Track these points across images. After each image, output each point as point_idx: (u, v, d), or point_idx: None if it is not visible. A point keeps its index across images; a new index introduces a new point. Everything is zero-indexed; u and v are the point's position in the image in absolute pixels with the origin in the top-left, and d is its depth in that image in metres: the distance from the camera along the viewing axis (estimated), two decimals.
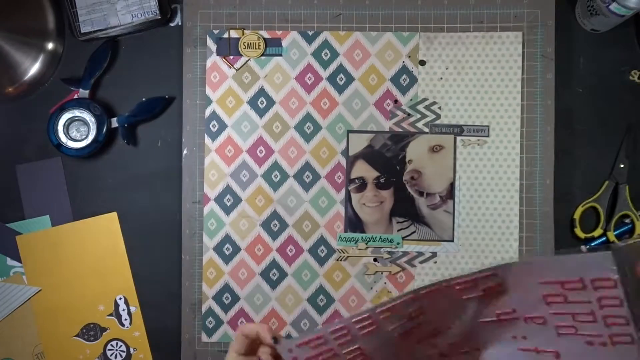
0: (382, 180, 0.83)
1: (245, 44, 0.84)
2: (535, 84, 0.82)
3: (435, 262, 0.82)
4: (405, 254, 0.82)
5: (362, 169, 0.83)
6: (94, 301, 0.85)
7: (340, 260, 0.83)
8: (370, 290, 0.83)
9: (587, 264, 0.50)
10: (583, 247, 0.82)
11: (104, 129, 0.83)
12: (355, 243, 0.83)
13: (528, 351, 0.55)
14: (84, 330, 0.85)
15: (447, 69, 0.83)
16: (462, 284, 0.52)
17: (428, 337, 0.56)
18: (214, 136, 0.84)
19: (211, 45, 0.84)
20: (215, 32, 0.84)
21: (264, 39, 0.84)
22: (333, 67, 0.84)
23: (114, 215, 0.85)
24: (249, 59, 0.84)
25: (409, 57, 0.83)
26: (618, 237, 0.81)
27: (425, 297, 0.52)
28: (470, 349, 0.57)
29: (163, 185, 0.85)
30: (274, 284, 0.84)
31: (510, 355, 0.56)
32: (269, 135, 0.84)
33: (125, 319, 0.85)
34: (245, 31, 0.84)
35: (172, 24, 0.86)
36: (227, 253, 0.84)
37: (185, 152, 0.84)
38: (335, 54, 0.84)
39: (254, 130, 0.84)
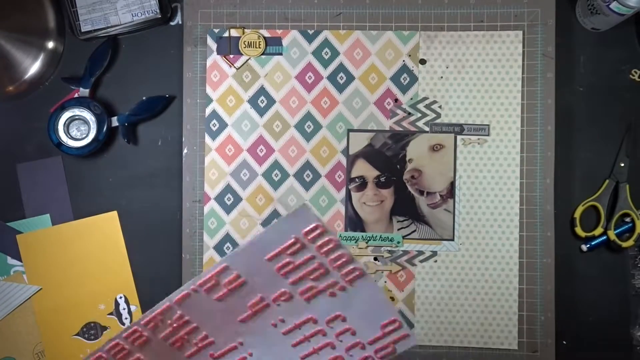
0: (382, 179, 0.83)
1: (246, 43, 0.84)
2: (536, 83, 0.82)
3: (436, 261, 0.82)
4: (405, 253, 0.82)
5: (363, 168, 0.83)
6: (94, 300, 0.85)
7: None
8: None
9: (293, 222, 0.52)
10: (584, 247, 0.83)
11: (104, 128, 0.83)
12: (355, 242, 0.83)
13: (292, 332, 0.58)
14: (85, 329, 0.85)
15: (447, 68, 0.83)
16: (204, 284, 0.55)
17: (199, 340, 0.60)
18: (214, 135, 0.84)
19: (211, 44, 0.84)
20: (216, 31, 0.84)
21: (264, 38, 0.84)
22: (333, 66, 0.84)
23: (114, 214, 0.85)
24: (249, 58, 0.84)
25: (410, 56, 0.83)
26: (619, 236, 0.81)
27: (179, 302, 0.56)
28: (238, 345, 0.60)
29: (163, 184, 0.85)
30: None
31: (284, 352, 0.59)
32: (269, 134, 0.84)
33: (126, 318, 0.85)
34: (245, 30, 0.84)
35: (172, 23, 0.86)
36: (228, 252, 0.84)
37: (185, 151, 0.84)
38: (335, 53, 0.84)
39: (254, 129, 0.84)
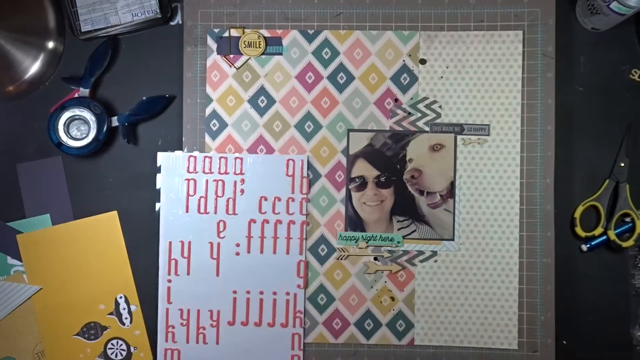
0: (382, 179, 0.83)
1: (246, 43, 0.84)
2: (536, 83, 0.82)
3: (436, 261, 0.82)
4: (405, 252, 0.82)
5: (363, 168, 0.83)
6: (94, 300, 0.85)
7: (341, 259, 0.83)
8: (370, 289, 0.83)
9: None
10: (584, 247, 0.83)
11: (105, 128, 0.83)
12: (355, 242, 0.83)
13: None
14: (85, 329, 0.85)
15: (447, 67, 0.83)
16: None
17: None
18: (214, 135, 0.84)
19: (211, 44, 0.84)
20: (216, 31, 0.84)
21: (265, 37, 0.84)
22: (333, 66, 0.84)
23: (114, 214, 0.85)
24: (250, 58, 0.84)
25: (410, 56, 0.83)
26: (619, 236, 0.81)
27: None
28: None
29: None
30: None
31: None
32: (269, 134, 0.84)
33: (126, 318, 0.85)
34: (245, 30, 0.84)
35: (172, 23, 0.86)
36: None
37: (185, 151, 0.84)
38: (335, 53, 0.84)
39: (254, 129, 0.84)
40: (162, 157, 0.82)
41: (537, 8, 0.83)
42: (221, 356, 0.81)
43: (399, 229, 0.83)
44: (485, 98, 0.83)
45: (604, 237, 0.82)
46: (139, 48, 0.86)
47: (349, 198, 0.83)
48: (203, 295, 0.81)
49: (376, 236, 0.83)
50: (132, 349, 0.85)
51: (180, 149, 0.84)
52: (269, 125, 0.84)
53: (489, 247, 0.82)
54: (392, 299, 0.82)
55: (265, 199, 0.81)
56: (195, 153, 0.81)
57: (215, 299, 0.81)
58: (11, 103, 0.87)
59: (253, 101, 0.84)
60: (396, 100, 0.83)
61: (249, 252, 0.81)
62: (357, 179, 0.83)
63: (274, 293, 0.81)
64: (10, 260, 0.85)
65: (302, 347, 0.81)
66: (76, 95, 0.85)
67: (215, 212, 0.81)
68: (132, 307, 0.85)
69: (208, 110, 0.84)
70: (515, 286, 0.81)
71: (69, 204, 0.86)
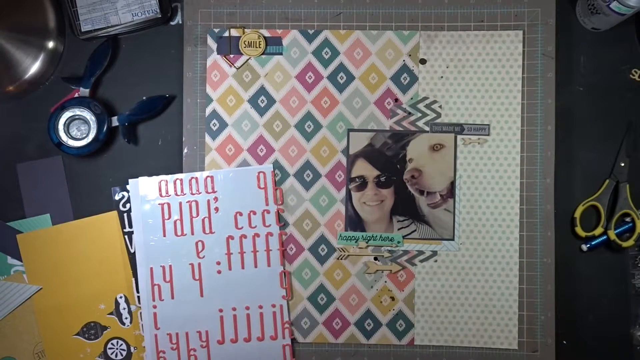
0: (382, 179, 0.83)
1: (246, 43, 0.84)
2: (536, 83, 0.82)
3: (436, 261, 0.82)
4: (405, 252, 0.82)
5: (363, 168, 0.83)
6: (94, 300, 0.85)
7: (341, 259, 0.83)
8: (370, 289, 0.83)
9: None
10: (584, 247, 0.83)
11: (105, 128, 0.83)
12: (355, 242, 0.83)
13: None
14: (85, 329, 0.85)
15: (447, 67, 0.83)
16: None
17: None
18: (214, 135, 0.84)
19: (212, 44, 0.84)
20: (216, 30, 0.84)
21: (265, 37, 0.84)
22: (333, 65, 0.84)
23: (114, 214, 0.85)
24: (250, 58, 0.84)
25: (410, 55, 0.83)
26: (619, 235, 0.81)
27: None
28: None
29: None
30: None
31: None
32: (269, 134, 0.84)
33: (126, 318, 0.85)
34: (245, 30, 0.84)
35: (172, 23, 0.86)
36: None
37: (185, 150, 0.84)
38: (335, 53, 0.84)
39: (254, 129, 0.84)
40: (131, 185, 0.81)
41: (537, 8, 0.83)
42: None
43: (399, 229, 0.83)
44: (485, 98, 0.83)
45: (604, 237, 0.82)
46: (139, 48, 0.86)
47: (349, 198, 0.83)
48: (190, 317, 0.81)
49: (376, 236, 0.83)
50: (132, 348, 0.85)
51: (181, 148, 0.84)
52: (269, 125, 0.84)
53: (489, 247, 0.82)
54: (392, 298, 0.82)
55: (241, 214, 0.81)
56: (166, 177, 0.81)
57: (203, 320, 0.81)
58: (11, 103, 0.87)
59: (253, 101, 0.84)
60: (396, 100, 0.83)
61: (230, 269, 0.81)
62: (357, 179, 0.83)
63: (260, 307, 0.81)
64: (10, 260, 0.85)
65: (293, 358, 0.82)
66: (76, 95, 0.85)
67: (193, 233, 0.81)
68: (132, 307, 0.85)
69: (208, 110, 0.84)
70: (515, 286, 0.81)
71: (69, 203, 0.86)
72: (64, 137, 0.83)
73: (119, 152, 0.86)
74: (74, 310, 0.85)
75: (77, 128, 0.84)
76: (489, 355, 0.82)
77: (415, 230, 0.82)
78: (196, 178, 0.80)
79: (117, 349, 0.85)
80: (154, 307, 0.81)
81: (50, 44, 0.86)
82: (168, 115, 0.85)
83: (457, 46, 0.83)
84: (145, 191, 0.81)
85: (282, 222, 0.81)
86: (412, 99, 0.83)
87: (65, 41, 0.87)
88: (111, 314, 0.85)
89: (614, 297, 0.82)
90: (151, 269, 0.81)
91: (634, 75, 0.83)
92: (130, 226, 0.83)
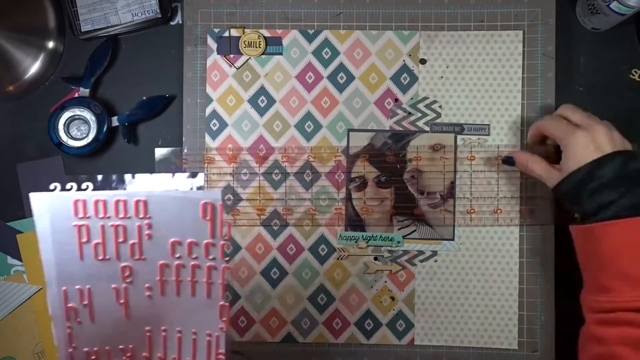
0: (382, 179, 0.83)
1: (246, 43, 0.84)
2: (536, 83, 0.82)
3: (436, 261, 0.82)
4: (405, 252, 0.82)
5: (363, 168, 0.83)
6: None
7: (341, 259, 0.83)
8: (370, 289, 0.83)
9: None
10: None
11: (105, 128, 0.83)
12: (355, 242, 0.83)
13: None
14: None
15: (447, 67, 0.83)
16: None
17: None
18: (214, 135, 0.84)
19: (212, 44, 0.84)
20: (216, 30, 0.84)
21: (265, 37, 0.84)
22: (333, 65, 0.84)
23: None
24: (250, 58, 0.84)
25: (410, 55, 0.83)
26: None
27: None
28: None
29: None
30: (274, 283, 0.84)
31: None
32: (269, 134, 0.84)
33: None
34: (245, 30, 0.84)
35: (172, 23, 0.86)
36: (228, 252, 0.84)
37: (185, 150, 0.84)
38: (335, 53, 0.84)
39: (254, 129, 0.84)
40: (33, 200, 0.62)
41: (537, 8, 0.83)
42: None
43: (399, 229, 0.83)
44: (485, 98, 0.83)
45: None
46: (139, 48, 0.86)
47: (349, 198, 0.83)
48: (113, 336, 0.68)
49: (376, 236, 0.83)
50: None
51: (181, 148, 0.84)
52: (269, 125, 0.84)
53: (489, 247, 0.82)
54: (392, 298, 0.82)
55: (179, 244, 0.65)
56: (84, 195, 0.63)
57: (128, 338, 0.68)
58: (11, 103, 0.87)
59: (253, 101, 0.84)
60: (396, 100, 0.83)
61: (162, 294, 0.67)
62: (357, 179, 0.83)
63: (194, 332, 0.68)
64: (10, 260, 0.85)
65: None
66: (76, 95, 0.85)
67: (118, 258, 0.65)
68: None
69: (208, 110, 0.84)
70: (515, 286, 0.81)
71: None
72: (64, 137, 0.83)
73: (119, 152, 0.86)
74: None
75: (77, 128, 0.84)
76: (489, 355, 0.82)
77: (415, 230, 0.82)
78: (124, 201, 0.63)
79: None
80: (69, 327, 0.67)
81: (50, 44, 0.86)
82: (168, 115, 0.86)
83: (457, 46, 0.83)
84: (54, 209, 0.63)
85: (226, 257, 0.69)
86: (412, 99, 0.83)
87: (65, 41, 0.87)
88: None
89: None
90: (64, 290, 0.66)
91: (634, 75, 0.83)
92: None
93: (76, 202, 0.63)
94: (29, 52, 0.85)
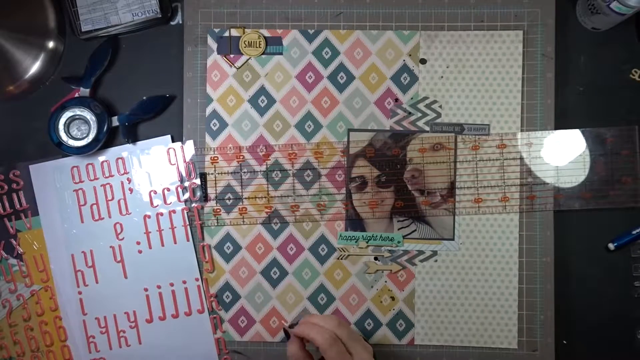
0: (382, 179, 0.83)
1: (246, 43, 0.84)
2: (536, 83, 0.82)
3: (436, 261, 0.82)
4: (405, 252, 0.83)
5: (363, 168, 0.83)
6: None
7: (341, 258, 0.83)
8: (370, 289, 0.83)
9: None
10: (611, 246, 0.82)
11: (105, 128, 0.83)
12: (355, 242, 0.83)
13: None
14: None
15: (447, 67, 0.83)
16: None
17: None
18: (214, 135, 0.84)
19: (212, 43, 0.84)
20: (216, 30, 0.84)
21: (265, 37, 0.84)
22: (334, 65, 0.84)
23: None
24: (250, 58, 0.84)
25: (410, 55, 0.83)
26: None
27: None
28: None
29: None
30: (274, 283, 0.84)
31: None
32: (269, 133, 0.84)
33: None
34: (245, 30, 0.84)
35: (172, 23, 0.86)
36: (228, 252, 0.84)
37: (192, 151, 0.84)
38: (335, 53, 0.84)
39: (254, 129, 0.84)
40: (33, 171, 0.83)
41: (537, 8, 0.83)
42: (146, 354, 0.82)
43: (399, 229, 0.83)
44: (485, 98, 0.83)
45: (632, 235, 0.81)
46: (139, 48, 0.86)
47: (349, 198, 0.83)
48: (116, 299, 0.82)
49: (376, 236, 0.83)
50: None
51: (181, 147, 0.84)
52: (269, 125, 0.84)
53: (489, 246, 0.82)
54: (392, 298, 0.83)
55: (155, 192, 0.82)
56: (78, 162, 0.82)
57: (129, 301, 0.82)
58: (11, 103, 0.87)
59: (253, 101, 0.84)
60: (396, 100, 0.83)
61: (150, 247, 0.82)
62: (357, 179, 0.83)
63: (184, 282, 0.82)
64: (11, 260, 0.85)
65: (223, 330, 0.83)
66: (76, 95, 0.85)
67: (110, 217, 0.82)
68: None
69: (208, 110, 0.84)
70: (515, 286, 0.82)
71: None
72: (64, 137, 0.83)
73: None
74: None
75: (77, 128, 0.84)
76: (488, 355, 0.82)
77: (415, 230, 0.82)
78: (107, 161, 0.82)
79: None
80: (79, 293, 0.82)
81: (51, 44, 0.86)
82: (168, 115, 0.86)
83: (457, 46, 0.83)
84: (53, 178, 0.82)
85: (196, 196, 0.81)
86: (412, 99, 0.83)
87: (65, 41, 0.87)
88: None
89: (615, 296, 0.82)
90: (72, 256, 0.82)
91: (634, 75, 0.83)
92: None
93: (72, 168, 0.81)
94: (29, 52, 0.85)
